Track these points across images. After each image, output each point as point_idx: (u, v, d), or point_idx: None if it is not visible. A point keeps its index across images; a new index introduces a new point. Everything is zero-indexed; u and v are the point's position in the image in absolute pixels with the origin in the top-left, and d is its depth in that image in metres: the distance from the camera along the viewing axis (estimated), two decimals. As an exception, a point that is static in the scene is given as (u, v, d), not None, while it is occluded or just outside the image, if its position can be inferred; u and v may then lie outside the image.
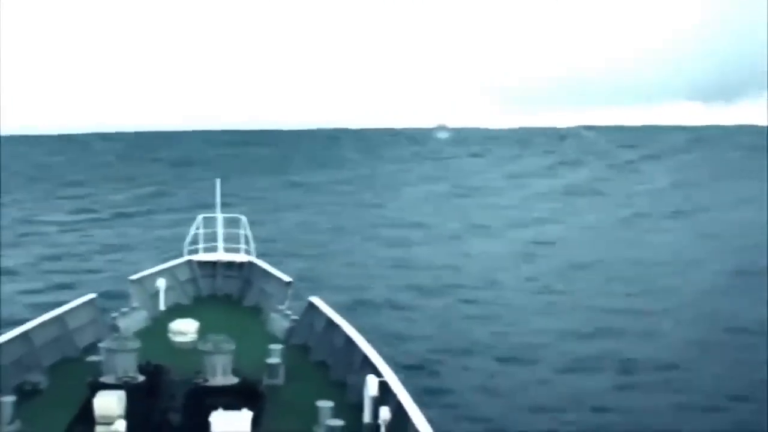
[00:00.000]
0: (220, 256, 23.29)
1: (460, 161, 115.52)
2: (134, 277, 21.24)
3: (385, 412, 12.26)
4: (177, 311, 20.54)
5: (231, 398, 13.62)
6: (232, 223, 23.49)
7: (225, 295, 22.94)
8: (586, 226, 56.78)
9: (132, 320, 19.51)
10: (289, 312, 19.87)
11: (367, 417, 13.36)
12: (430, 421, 11.99)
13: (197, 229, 23.17)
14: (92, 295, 19.37)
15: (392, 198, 74.17)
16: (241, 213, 23.64)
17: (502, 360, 27.30)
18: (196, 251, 23.24)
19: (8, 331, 16.29)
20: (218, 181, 23.08)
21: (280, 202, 70.28)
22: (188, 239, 23.13)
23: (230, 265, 23.20)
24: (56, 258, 46.11)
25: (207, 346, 14.86)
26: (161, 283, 21.19)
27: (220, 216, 23.21)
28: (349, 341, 16.21)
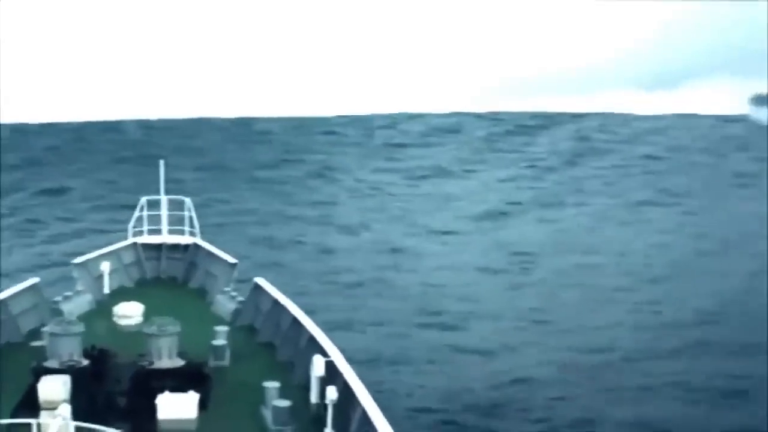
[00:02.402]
0: (165, 238, 23.13)
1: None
2: (78, 260, 21.00)
3: (332, 392, 12.36)
4: (122, 294, 20.39)
5: (177, 381, 13.67)
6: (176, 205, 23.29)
7: (170, 277, 22.81)
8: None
9: (76, 304, 19.32)
10: (234, 293, 19.87)
11: (314, 397, 13.51)
12: (376, 399, 12.17)
13: (141, 211, 22.97)
14: (35, 280, 19.12)
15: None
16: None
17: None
18: (140, 233, 23.06)
19: None
20: (162, 163, 22.87)
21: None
22: (132, 222, 22.93)
23: (175, 247, 23.05)
24: None
25: (152, 329, 14.83)
26: (105, 266, 20.99)
27: (164, 198, 23.02)
28: (296, 322, 16.29)
